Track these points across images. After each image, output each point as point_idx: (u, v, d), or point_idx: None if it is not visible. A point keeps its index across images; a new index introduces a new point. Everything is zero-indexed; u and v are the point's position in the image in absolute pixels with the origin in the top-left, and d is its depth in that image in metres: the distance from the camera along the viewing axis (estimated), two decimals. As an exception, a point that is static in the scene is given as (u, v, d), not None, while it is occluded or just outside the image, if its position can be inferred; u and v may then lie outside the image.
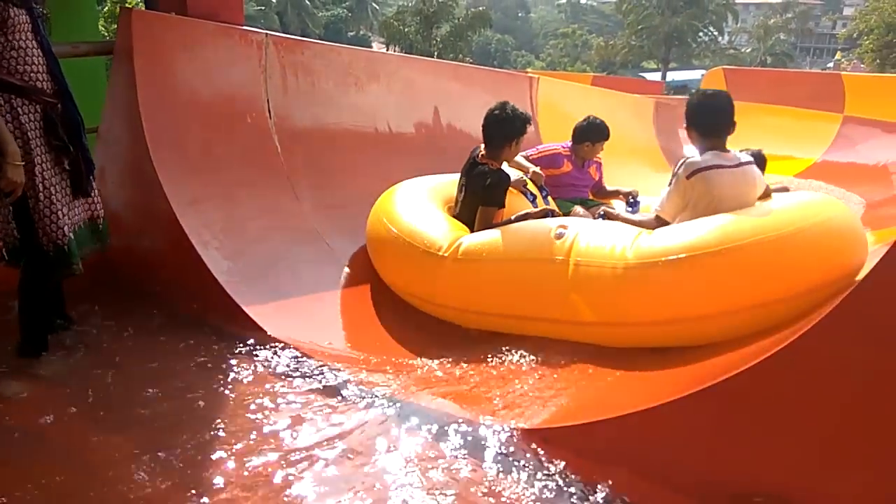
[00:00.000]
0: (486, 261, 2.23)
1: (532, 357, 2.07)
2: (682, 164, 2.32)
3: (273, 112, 2.79)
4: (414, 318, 2.42)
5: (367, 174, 3.14)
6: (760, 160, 3.32)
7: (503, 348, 2.13)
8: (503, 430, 1.58)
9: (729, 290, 1.89)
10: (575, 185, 3.32)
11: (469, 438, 1.57)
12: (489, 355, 2.09)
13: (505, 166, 2.68)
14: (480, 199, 2.52)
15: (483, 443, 1.55)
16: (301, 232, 2.68)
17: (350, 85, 3.19)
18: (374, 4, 55.63)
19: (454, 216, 2.59)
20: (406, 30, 24.60)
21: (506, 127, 2.63)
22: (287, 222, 2.66)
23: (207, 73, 2.56)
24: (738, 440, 1.26)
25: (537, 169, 3.05)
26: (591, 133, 3.36)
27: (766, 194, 2.56)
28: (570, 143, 3.35)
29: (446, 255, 2.28)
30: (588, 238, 2.13)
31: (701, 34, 33.02)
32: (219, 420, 1.62)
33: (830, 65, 42.47)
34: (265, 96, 2.78)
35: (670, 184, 2.34)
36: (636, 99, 6.46)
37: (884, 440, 1.09)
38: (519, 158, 2.99)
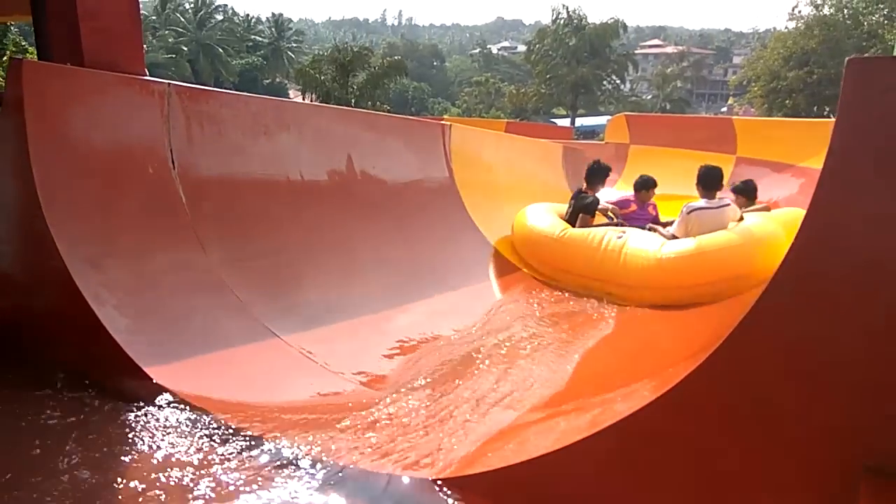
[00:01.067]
0: (577, 243, 4.10)
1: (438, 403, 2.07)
2: (686, 207, 4.21)
3: (177, 163, 2.71)
4: (320, 381, 2.38)
5: (277, 223, 3.09)
6: (752, 188, 5.19)
7: (409, 397, 2.12)
8: (419, 481, 1.55)
9: (706, 272, 3.74)
10: (638, 219, 4.78)
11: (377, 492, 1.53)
12: (400, 404, 2.07)
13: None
14: (581, 210, 4.50)
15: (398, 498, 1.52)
16: (208, 286, 2.59)
17: (259, 134, 3.15)
18: (289, 53, 55.77)
19: (564, 220, 4.47)
20: (322, 78, 24.72)
21: (599, 173, 4.73)
22: (193, 276, 2.56)
23: (105, 126, 2.47)
24: (642, 477, 1.29)
25: (613, 207, 4.78)
26: (644, 185, 4.92)
27: (740, 219, 4.21)
28: (633, 193, 4.98)
29: (557, 236, 4.19)
30: (635, 240, 4.02)
31: (605, 83, 34.99)
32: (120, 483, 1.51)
33: (724, 109, 45.85)
34: (168, 146, 2.70)
35: (679, 217, 4.20)
36: (545, 144, 6.73)
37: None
38: (603, 203, 4.70)
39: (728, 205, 4.16)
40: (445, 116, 44.07)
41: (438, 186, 4.45)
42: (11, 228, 2.32)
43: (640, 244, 3.88)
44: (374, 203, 3.81)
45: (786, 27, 25.79)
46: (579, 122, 37.11)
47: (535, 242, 4.19)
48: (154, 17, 49.65)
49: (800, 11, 24.31)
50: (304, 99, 32.19)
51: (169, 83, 2.77)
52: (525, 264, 4.42)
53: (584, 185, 4.62)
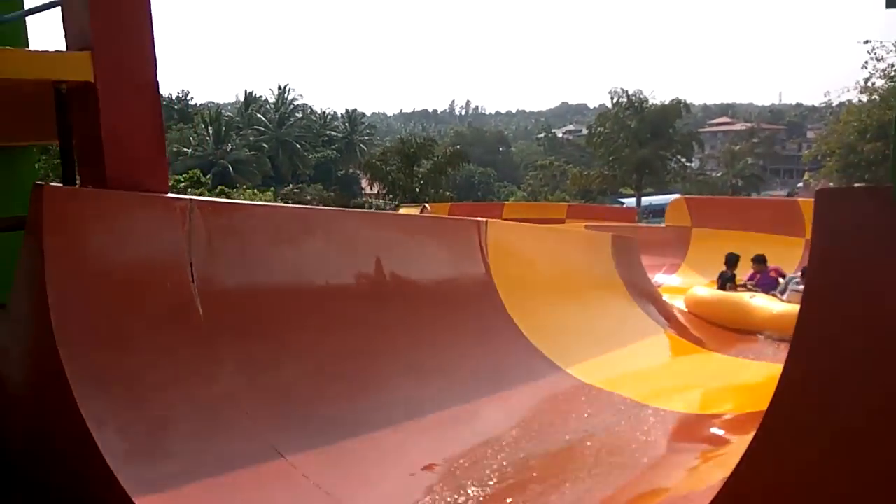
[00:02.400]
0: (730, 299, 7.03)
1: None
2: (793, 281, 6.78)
3: (196, 276, 2.75)
4: None
5: (299, 333, 3.06)
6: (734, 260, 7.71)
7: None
8: None
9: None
10: (765, 285, 7.28)
11: None
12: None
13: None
14: (728, 281, 7.46)
15: None
16: (220, 402, 2.55)
17: (283, 243, 3.18)
18: (361, 145, 58.64)
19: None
20: (388, 168, 25.73)
21: (733, 259, 7.56)
22: (204, 393, 2.54)
23: (124, 245, 2.54)
24: None
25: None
26: (753, 262, 7.62)
27: None
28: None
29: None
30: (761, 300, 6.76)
31: (670, 162, 34.71)
32: None
33: (800, 185, 44.34)
34: (189, 261, 2.75)
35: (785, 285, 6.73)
36: (592, 235, 6.59)
37: None
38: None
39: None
40: (511, 199, 44.80)
41: (475, 284, 4.36)
42: (25, 350, 2.37)
43: (763, 302, 6.81)
44: (405, 307, 3.75)
45: (859, 99, 25.03)
46: (648, 200, 36.73)
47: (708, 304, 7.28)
48: (238, 118, 53.60)
49: (873, 83, 23.59)
50: (370, 188, 33.59)
51: (192, 199, 2.86)
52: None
53: (725, 267, 7.64)
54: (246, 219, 3.06)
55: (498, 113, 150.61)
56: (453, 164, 26.84)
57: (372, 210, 28.90)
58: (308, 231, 3.32)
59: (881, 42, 22.95)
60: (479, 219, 4.59)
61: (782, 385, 1.03)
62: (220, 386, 2.61)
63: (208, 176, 41.07)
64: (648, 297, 6.62)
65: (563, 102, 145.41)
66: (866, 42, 23.12)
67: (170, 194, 2.82)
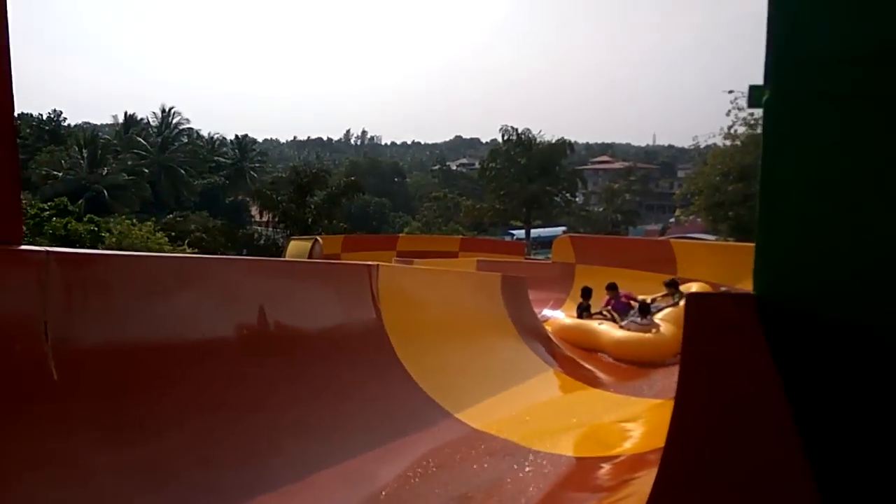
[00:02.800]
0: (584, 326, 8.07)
1: None
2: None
3: (51, 336, 2.47)
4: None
5: (175, 393, 2.82)
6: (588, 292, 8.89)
7: None
8: None
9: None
10: (619, 309, 8.37)
11: None
12: None
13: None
14: (584, 311, 8.72)
15: None
16: (74, 476, 2.28)
17: (154, 295, 2.95)
18: (252, 172, 56.91)
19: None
20: (279, 198, 25.04)
21: (587, 292, 8.78)
22: (67, 470, 2.26)
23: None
24: None
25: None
26: (607, 290, 8.68)
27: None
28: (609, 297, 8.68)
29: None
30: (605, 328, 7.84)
31: (556, 198, 36.37)
32: None
33: (672, 220, 47.78)
34: (43, 319, 2.47)
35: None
36: (483, 276, 6.70)
37: None
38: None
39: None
40: (405, 230, 44.98)
41: (365, 331, 4.26)
42: None
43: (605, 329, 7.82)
44: (291, 359, 3.59)
45: (723, 144, 27.43)
46: (537, 231, 38.20)
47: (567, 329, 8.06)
48: (116, 142, 50.48)
49: (735, 130, 25.97)
50: (260, 217, 32.55)
51: (48, 251, 2.58)
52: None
53: (582, 299, 8.80)
54: (111, 270, 2.81)
55: (394, 144, 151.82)
56: (348, 196, 26.60)
57: (261, 241, 28.02)
58: (183, 282, 3.10)
59: (742, 92, 25.33)
60: (370, 263, 4.52)
61: (654, 491, 1.03)
62: (77, 458, 2.34)
63: (79, 202, 38.24)
64: (537, 335, 6.77)
65: (457, 136, 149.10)
66: (730, 92, 25.45)
67: (24, 246, 2.53)
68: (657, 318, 7.44)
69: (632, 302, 8.30)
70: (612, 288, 8.63)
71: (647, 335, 7.19)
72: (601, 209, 44.55)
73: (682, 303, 7.32)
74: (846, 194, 1.07)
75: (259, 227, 34.77)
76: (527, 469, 3.51)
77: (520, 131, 35.42)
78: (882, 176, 1.05)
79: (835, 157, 1.07)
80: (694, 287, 7.76)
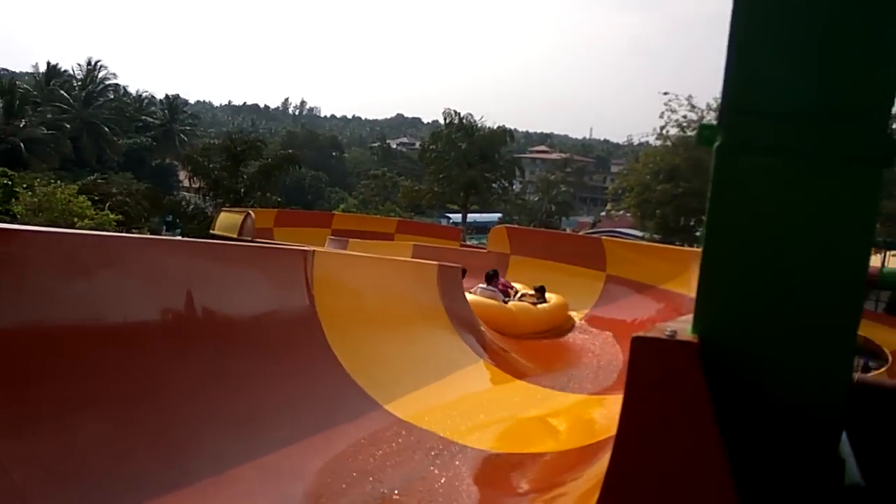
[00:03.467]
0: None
1: None
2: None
3: (-47, 316, 2.29)
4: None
5: (85, 378, 2.67)
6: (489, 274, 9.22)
7: None
8: None
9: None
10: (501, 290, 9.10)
11: None
12: None
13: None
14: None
15: None
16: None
17: (74, 274, 2.78)
18: (182, 135, 54.52)
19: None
20: (211, 165, 24.13)
21: (494, 275, 9.19)
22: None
23: None
24: None
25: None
26: (486, 278, 9.06)
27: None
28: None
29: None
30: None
31: (494, 185, 36.66)
32: None
33: (603, 213, 49.15)
34: (-57, 298, 2.28)
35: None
36: (420, 265, 6.68)
37: None
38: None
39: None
40: (341, 206, 44.31)
41: (297, 319, 4.17)
42: None
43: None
44: (217, 346, 3.46)
45: (656, 144, 28.31)
46: (473, 217, 38.42)
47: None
48: (36, 93, 47.27)
49: (667, 131, 26.84)
50: (189, 182, 31.26)
51: (-46, 225, 2.38)
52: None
53: (485, 282, 8.98)
54: (26, 246, 2.62)
55: (333, 117, 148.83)
56: (283, 169, 25.91)
57: (189, 208, 26.91)
58: (104, 261, 2.93)
59: (676, 95, 26.18)
60: (305, 248, 4.41)
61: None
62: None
63: (-8, 154, 35.67)
64: (469, 326, 6.83)
65: (398, 114, 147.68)
66: (665, 93, 26.23)
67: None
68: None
69: (509, 289, 9.41)
70: (492, 275, 9.39)
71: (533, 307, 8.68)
72: (537, 199, 45.28)
73: (540, 306, 8.76)
74: (785, 247, 1.11)
75: (187, 194, 33.44)
76: (454, 464, 3.54)
77: (462, 115, 35.52)
78: (821, 231, 1.09)
79: (777, 208, 1.11)
80: (553, 298, 8.75)
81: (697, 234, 28.87)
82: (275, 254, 4.47)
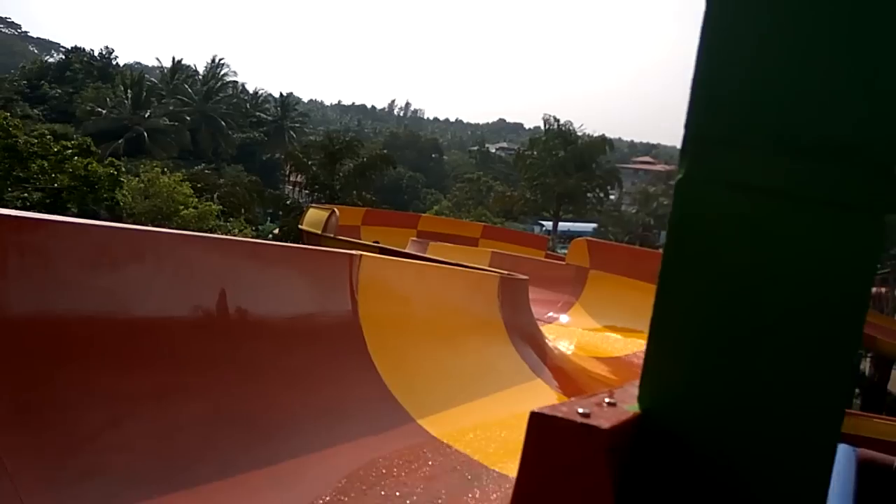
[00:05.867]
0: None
1: None
2: None
3: (-23, 301, 2.37)
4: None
5: (102, 371, 2.72)
6: None
7: None
8: None
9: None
10: None
11: None
12: None
13: None
14: None
15: None
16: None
17: (102, 266, 2.83)
18: (291, 132, 57.12)
19: None
20: (310, 162, 25.05)
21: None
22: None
23: None
24: None
25: None
26: None
27: None
28: None
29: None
30: None
31: (589, 195, 35.74)
32: None
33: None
34: (-32, 283, 2.37)
35: None
36: (479, 274, 6.48)
37: None
38: None
39: None
40: (435, 208, 44.82)
41: (337, 324, 4.11)
42: None
43: None
44: (245, 345, 3.45)
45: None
46: (567, 225, 37.69)
47: None
48: (161, 86, 51.08)
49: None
50: (293, 177, 32.69)
51: (-16, 212, 2.47)
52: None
53: None
54: (53, 236, 2.69)
55: (436, 119, 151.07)
56: (377, 168, 26.49)
57: (288, 201, 27.99)
58: (134, 254, 2.97)
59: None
60: (353, 252, 4.35)
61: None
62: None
63: (119, 141, 38.81)
64: (531, 341, 6.57)
65: (500, 119, 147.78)
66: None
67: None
68: None
69: None
70: None
71: None
72: (635, 211, 43.69)
73: None
74: (754, 309, 0.86)
75: (290, 188, 34.95)
76: (485, 493, 3.35)
77: (561, 122, 34.82)
78: (802, 292, 0.84)
79: (746, 260, 0.87)
80: None
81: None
82: (318, 256, 4.44)
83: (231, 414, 3.12)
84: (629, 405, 1.00)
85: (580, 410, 0.84)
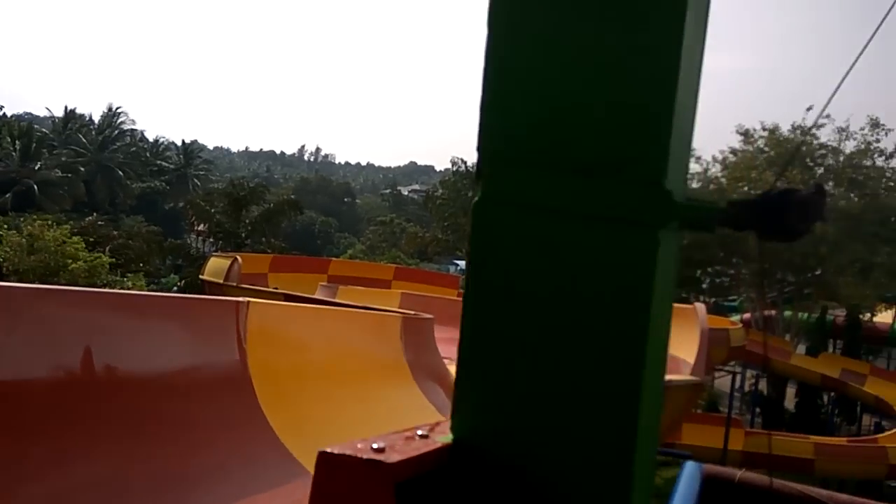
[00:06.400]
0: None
1: None
2: None
3: None
4: None
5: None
6: None
7: None
8: None
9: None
10: None
11: None
12: None
13: None
14: None
15: None
16: None
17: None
18: (195, 180, 55.32)
19: None
20: (213, 210, 24.27)
21: None
22: None
23: None
24: None
25: None
26: None
27: None
28: None
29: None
30: None
31: (499, 233, 36.40)
32: None
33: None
34: None
35: None
36: (381, 317, 6.41)
37: None
38: None
39: None
40: (349, 251, 44.32)
41: (223, 377, 3.90)
42: None
43: None
44: (117, 407, 3.21)
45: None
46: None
47: None
48: (52, 136, 48.46)
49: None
50: (198, 227, 31.52)
51: None
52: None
53: None
54: None
55: (348, 163, 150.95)
56: (285, 214, 26.02)
57: (190, 251, 26.86)
58: (-16, 313, 2.72)
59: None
60: (239, 299, 4.18)
61: None
62: None
63: (7, 195, 36.35)
64: (438, 380, 6.51)
65: (411, 161, 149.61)
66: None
67: None
68: None
69: None
70: None
71: None
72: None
73: None
74: (550, 332, 0.86)
75: (195, 237, 33.68)
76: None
77: (469, 164, 35.62)
78: (591, 312, 0.85)
79: (540, 282, 0.87)
80: None
81: (704, 285, 28.41)
82: (200, 305, 4.24)
83: (106, 483, 2.87)
84: (445, 436, 0.98)
85: (375, 446, 0.81)
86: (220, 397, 3.78)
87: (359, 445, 0.81)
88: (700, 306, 7.08)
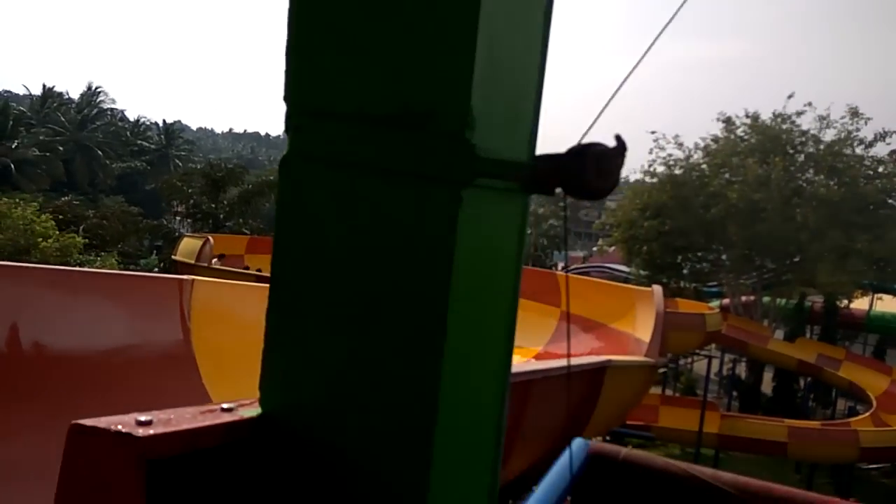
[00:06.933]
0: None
1: None
2: None
3: None
4: None
5: None
6: None
7: None
8: None
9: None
10: None
11: None
12: None
13: None
14: None
15: None
16: None
17: None
18: (177, 160, 54.54)
19: None
20: (190, 191, 23.95)
21: None
22: None
23: None
24: None
25: None
26: None
27: None
28: None
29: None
30: None
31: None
32: None
33: (595, 248, 48.91)
34: None
35: None
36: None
37: None
38: None
39: None
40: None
41: (165, 355, 3.84)
42: None
43: None
44: (57, 381, 3.14)
45: (644, 180, 28.06)
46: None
47: None
48: (30, 114, 47.53)
49: (655, 169, 26.65)
50: (178, 208, 31.13)
51: None
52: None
53: None
54: None
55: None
56: (265, 195, 25.74)
57: (165, 231, 26.47)
58: None
59: (664, 134, 26.26)
60: (183, 277, 4.10)
61: None
62: None
63: (-19, 175, 35.68)
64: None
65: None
66: (653, 132, 26.28)
67: None
68: None
69: None
70: None
71: None
72: (528, 232, 44.66)
73: None
74: (358, 299, 0.80)
75: (175, 218, 33.29)
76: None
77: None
78: (399, 278, 0.79)
79: (349, 244, 0.81)
80: None
81: (685, 271, 28.56)
82: (141, 282, 4.15)
83: (21, 455, 2.81)
84: (252, 409, 0.92)
85: (142, 419, 0.75)
86: (162, 375, 3.72)
87: (125, 418, 0.75)
88: (657, 288, 7.09)
